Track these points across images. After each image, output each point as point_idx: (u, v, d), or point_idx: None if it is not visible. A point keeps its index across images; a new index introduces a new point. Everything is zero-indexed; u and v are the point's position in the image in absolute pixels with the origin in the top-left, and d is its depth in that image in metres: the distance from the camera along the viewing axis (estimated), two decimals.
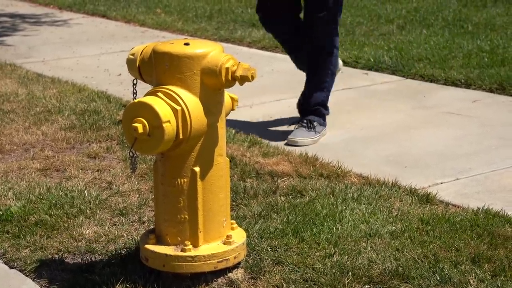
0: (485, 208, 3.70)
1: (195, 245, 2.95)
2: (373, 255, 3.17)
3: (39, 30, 9.27)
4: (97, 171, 4.24)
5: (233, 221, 3.13)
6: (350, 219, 3.53)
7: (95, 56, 7.66)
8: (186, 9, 10.47)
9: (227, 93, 3.07)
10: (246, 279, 3.02)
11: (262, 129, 5.11)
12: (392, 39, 8.13)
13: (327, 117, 5.05)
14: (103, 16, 10.34)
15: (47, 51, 7.90)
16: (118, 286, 2.93)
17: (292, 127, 5.04)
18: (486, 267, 3.09)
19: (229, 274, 3.02)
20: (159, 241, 3.00)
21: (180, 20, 9.70)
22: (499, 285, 2.96)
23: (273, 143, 4.73)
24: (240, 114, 5.33)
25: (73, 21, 10.02)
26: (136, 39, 8.34)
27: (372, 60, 7.10)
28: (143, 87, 3.19)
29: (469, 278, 3.00)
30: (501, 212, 3.65)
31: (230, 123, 4.89)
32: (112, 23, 9.87)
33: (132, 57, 2.98)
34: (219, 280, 2.99)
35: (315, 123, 4.85)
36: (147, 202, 3.80)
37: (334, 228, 3.42)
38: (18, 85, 6.20)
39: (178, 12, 10.25)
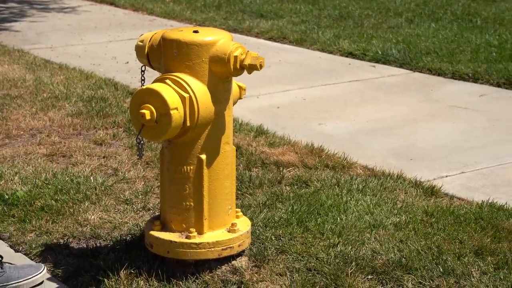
0: (489, 201, 3.70)
1: (200, 232, 2.96)
2: (377, 246, 3.18)
3: (47, 17, 9.28)
4: (103, 157, 4.25)
5: (238, 210, 3.14)
6: (355, 210, 3.54)
7: (102, 44, 7.67)
8: None
9: (235, 82, 3.07)
10: (250, 267, 3.03)
11: (269, 119, 5.11)
12: (401, 32, 8.11)
13: (337, 110, 5.04)
14: (111, 3, 10.34)
15: (55, 38, 7.91)
16: (123, 271, 2.94)
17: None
18: (489, 260, 3.09)
19: (233, 262, 3.03)
20: (164, 228, 3.02)
21: (189, 9, 9.70)
22: (502, 277, 2.96)
23: (279, 133, 4.73)
24: (247, 104, 5.33)
25: (81, 8, 10.03)
26: (144, 28, 8.34)
27: (380, 52, 7.09)
28: (151, 74, 3.20)
29: (472, 270, 3.01)
30: (505, 206, 3.66)
31: (237, 113, 4.89)
32: (120, 11, 9.87)
33: (141, 43, 2.98)
34: (223, 267, 3.00)
35: None
36: (152, 189, 3.81)
37: (338, 218, 3.43)
38: (25, 71, 6.21)
39: (186, 1, 10.25)
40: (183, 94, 2.81)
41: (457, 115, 5.32)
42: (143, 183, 3.90)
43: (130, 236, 3.30)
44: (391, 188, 3.85)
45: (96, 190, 3.77)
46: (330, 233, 3.29)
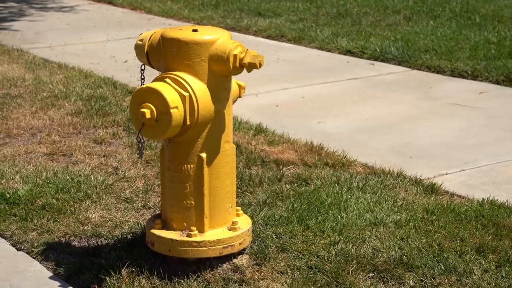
0: (490, 199, 3.71)
1: (201, 230, 2.96)
2: (378, 244, 3.19)
3: (46, 16, 9.27)
4: (103, 156, 4.26)
5: (239, 208, 3.14)
6: (355, 207, 3.54)
7: (101, 43, 7.67)
8: None
9: (235, 80, 3.07)
10: (251, 265, 3.04)
11: (268, 118, 5.12)
12: (399, 29, 8.11)
13: (336, 108, 5.05)
14: (110, 2, 10.33)
15: (54, 37, 7.90)
16: (124, 270, 2.94)
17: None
18: (490, 257, 3.10)
19: (234, 260, 3.03)
20: (165, 226, 3.02)
21: (187, 7, 9.69)
22: (504, 275, 2.97)
23: (278, 132, 4.73)
24: (246, 102, 5.33)
25: (80, 7, 10.02)
26: (143, 26, 8.33)
27: (378, 50, 7.09)
28: (151, 73, 3.20)
29: (473, 268, 3.01)
30: (506, 203, 3.66)
31: (236, 111, 4.89)
32: (118, 10, 9.87)
33: (140, 42, 2.98)
34: (224, 265, 3.01)
35: None
36: (153, 187, 3.81)
37: (339, 216, 3.44)
38: (25, 70, 6.21)
39: (184, 0, 10.24)
40: (183, 93, 2.81)
41: (456, 112, 5.33)
42: (143, 181, 3.91)
43: (131, 234, 3.31)
44: (391, 186, 3.85)
45: (96, 188, 3.77)
46: (331, 231, 3.29)
